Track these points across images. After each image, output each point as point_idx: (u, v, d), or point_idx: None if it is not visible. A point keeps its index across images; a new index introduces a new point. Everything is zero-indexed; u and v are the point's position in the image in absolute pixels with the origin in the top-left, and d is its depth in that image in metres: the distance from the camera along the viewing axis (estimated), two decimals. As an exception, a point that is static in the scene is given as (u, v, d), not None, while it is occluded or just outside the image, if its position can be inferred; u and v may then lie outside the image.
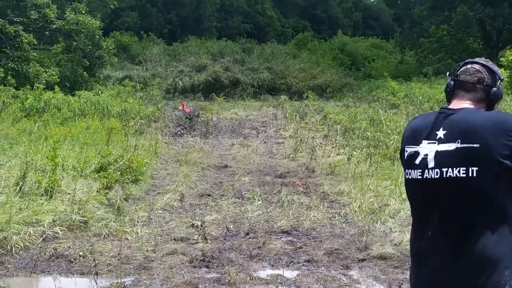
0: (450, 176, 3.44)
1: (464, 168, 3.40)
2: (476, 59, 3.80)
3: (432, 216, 3.54)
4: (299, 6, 76.21)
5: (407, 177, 3.69)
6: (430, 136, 3.58)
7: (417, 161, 3.59)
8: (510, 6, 45.43)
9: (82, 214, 10.06)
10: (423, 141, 3.59)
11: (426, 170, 3.53)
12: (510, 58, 16.11)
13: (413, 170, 3.61)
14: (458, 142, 3.44)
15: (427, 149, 3.56)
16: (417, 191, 3.64)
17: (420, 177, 3.56)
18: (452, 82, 3.76)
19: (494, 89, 3.69)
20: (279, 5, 73.27)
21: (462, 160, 3.42)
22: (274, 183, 14.31)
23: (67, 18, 32.31)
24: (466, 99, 3.67)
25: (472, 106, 3.64)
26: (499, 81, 3.76)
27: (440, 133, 3.54)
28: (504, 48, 43.16)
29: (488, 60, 3.83)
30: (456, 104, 3.69)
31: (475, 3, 47.34)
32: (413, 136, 3.68)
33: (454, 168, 3.43)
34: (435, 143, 3.54)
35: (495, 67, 3.78)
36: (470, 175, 3.39)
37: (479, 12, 47.16)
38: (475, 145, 3.38)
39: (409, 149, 3.67)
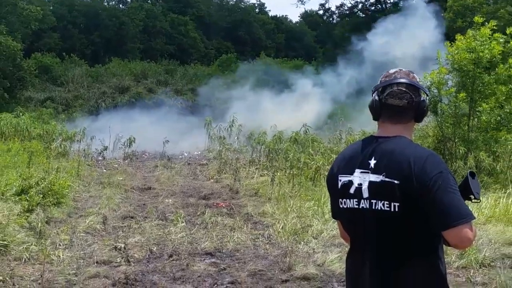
0: (377, 208, 3.42)
1: (388, 202, 3.38)
2: (397, 75, 3.63)
3: (368, 245, 3.51)
4: (222, 27, 76.44)
5: (341, 206, 3.61)
6: (363, 165, 3.52)
7: (352, 191, 3.53)
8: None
9: (2, 237, 9.83)
10: (356, 170, 3.53)
11: (362, 200, 3.48)
12: (429, 78, 16.52)
13: (349, 200, 3.55)
14: (383, 175, 3.41)
15: (361, 179, 3.50)
16: (355, 220, 3.57)
17: (357, 206, 3.51)
18: (377, 99, 3.61)
19: (422, 106, 3.58)
20: (202, 27, 73.34)
21: (386, 194, 3.39)
22: (197, 204, 14.27)
23: (-14, 39, 31.86)
24: (396, 122, 3.58)
25: (403, 132, 3.56)
26: (426, 96, 3.69)
27: (372, 162, 3.48)
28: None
29: (409, 72, 3.67)
30: (387, 129, 3.60)
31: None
32: (346, 165, 3.61)
33: (379, 201, 3.41)
34: (368, 172, 3.49)
35: (418, 81, 3.66)
36: (392, 210, 3.36)
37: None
38: (395, 181, 3.35)
39: (343, 178, 3.59)
